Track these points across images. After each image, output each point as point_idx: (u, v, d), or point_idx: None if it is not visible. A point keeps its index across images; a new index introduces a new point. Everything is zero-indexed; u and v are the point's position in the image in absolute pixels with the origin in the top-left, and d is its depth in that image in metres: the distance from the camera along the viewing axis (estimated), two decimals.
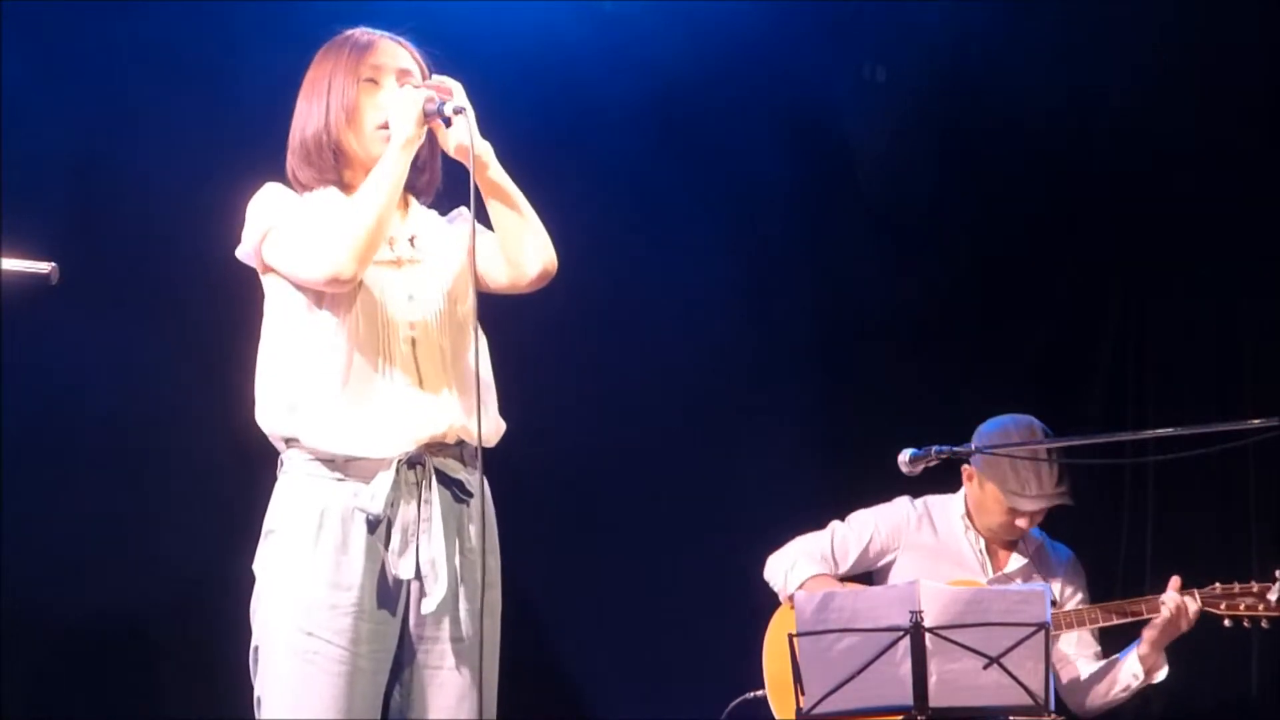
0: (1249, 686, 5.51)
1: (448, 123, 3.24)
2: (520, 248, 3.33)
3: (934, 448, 4.28)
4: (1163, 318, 5.78)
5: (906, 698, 4.07)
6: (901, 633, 4.05)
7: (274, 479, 3.33)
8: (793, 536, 5.01)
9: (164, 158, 4.86)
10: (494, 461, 3.33)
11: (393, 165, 3.22)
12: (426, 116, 3.23)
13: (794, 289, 5.95)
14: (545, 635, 5.62)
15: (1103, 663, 4.79)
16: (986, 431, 4.82)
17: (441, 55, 3.42)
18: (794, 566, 4.91)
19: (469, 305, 3.31)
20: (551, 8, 5.39)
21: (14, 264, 3.17)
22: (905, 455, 4.28)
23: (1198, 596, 4.62)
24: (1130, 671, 4.74)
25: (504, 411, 3.39)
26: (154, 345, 4.92)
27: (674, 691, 5.48)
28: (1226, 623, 4.61)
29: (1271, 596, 4.57)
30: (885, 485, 4.86)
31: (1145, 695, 5.55)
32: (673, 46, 5.57)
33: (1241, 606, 4.59)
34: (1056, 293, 5.92)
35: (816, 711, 4.14)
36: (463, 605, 3.23)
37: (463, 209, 3.37)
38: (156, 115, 4.91)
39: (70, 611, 4.85)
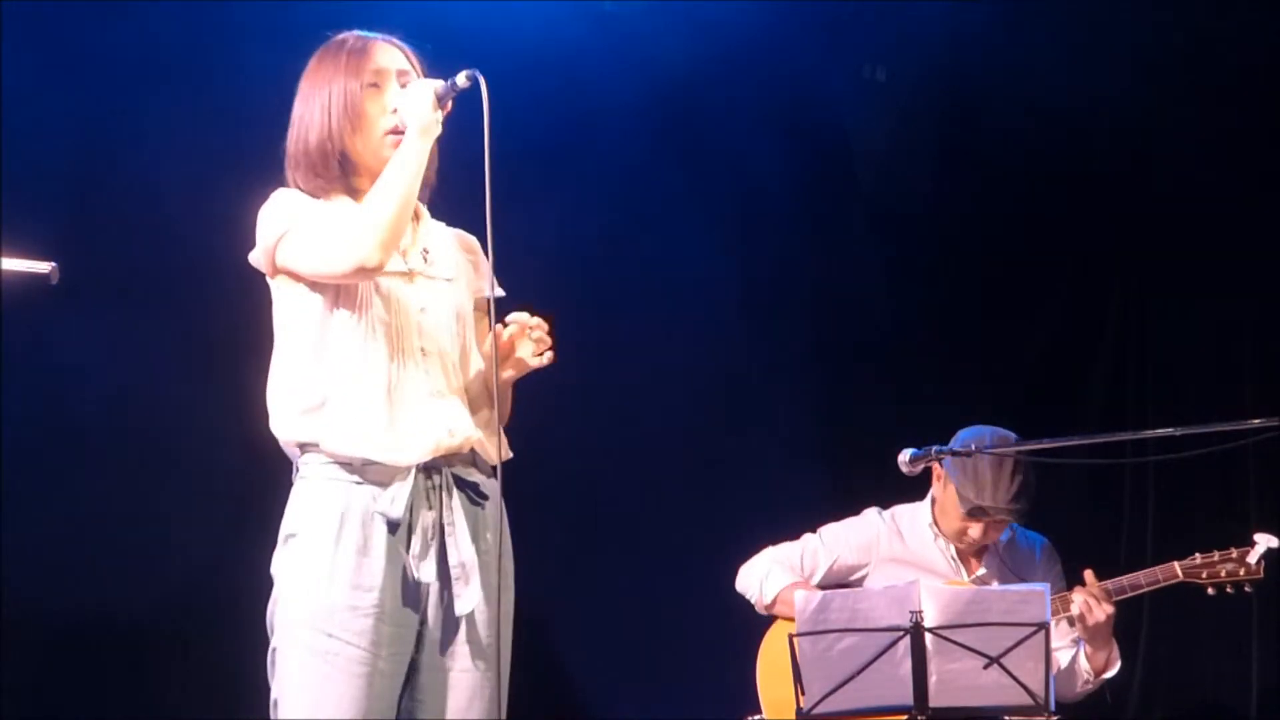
0: (1249, 688, 5.51)
1: (456, 91, 3.21)
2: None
3: (934, 448, 4.27)
4: (1163, 317, 5.78)
5: (906, 698, 4.06)
6: (901, 633, 4.05)
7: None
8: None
9: (164, 158, 4.85)
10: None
11: (412, 153, 3.20)
12: (439, 100, 3.21)
13: (794, 288, 5.95)
14: (542, 642, 5.61)
15: (1067, 659, 4.77)
16: (964, 437, 4.79)
17: (440, 54, 3.42)
18: (768, 576, 4.89)
19: (472, 331, 3.35)
20: (551, 8, 5.38)
21: (14, 264, 3.16)
22: (905, 455, 4.28)
23: (1179, 570, 4.60)
24: (1084, 668, 4.74)
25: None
26: (154, 345, 4.92)
27: (673, 694, 5.47)
28: (1210, 591, 4.58)
29: (1251, 559, 4.55)
30: (885, 485, 4.85)
31: (1146, 696, 5.56)
32: (673, 46, 5.57)
33: (1223, 573, 4.56)
34: (1056, 293, 5.92)
35: (816, 711, 4.14)
36: (479, 607, 3.23)
37: (476, 247, 3.40)
38: (157, 116, 4.90)
39: (70, 612, 4.84)
